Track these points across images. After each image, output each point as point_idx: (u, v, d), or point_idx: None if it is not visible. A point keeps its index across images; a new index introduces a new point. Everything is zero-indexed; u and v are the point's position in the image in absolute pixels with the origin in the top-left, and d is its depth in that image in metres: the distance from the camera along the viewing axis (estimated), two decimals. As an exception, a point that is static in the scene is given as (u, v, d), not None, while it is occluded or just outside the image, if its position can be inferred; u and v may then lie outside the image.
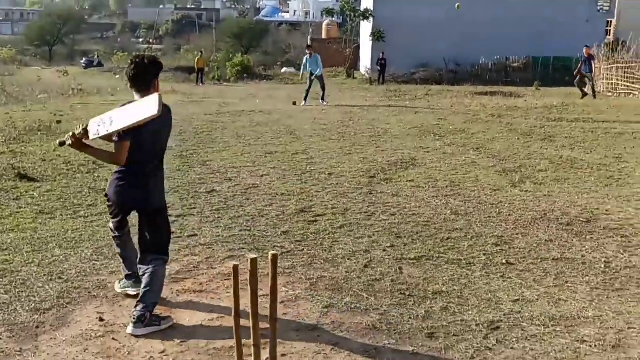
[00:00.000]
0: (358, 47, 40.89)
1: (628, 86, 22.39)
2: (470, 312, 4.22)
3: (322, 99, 19.23)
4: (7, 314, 4.15)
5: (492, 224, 6.20)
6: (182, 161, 9.33)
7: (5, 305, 4.28)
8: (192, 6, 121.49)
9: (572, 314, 4.20)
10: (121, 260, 4.48)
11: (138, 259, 4.18)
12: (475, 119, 14.24)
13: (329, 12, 46.57)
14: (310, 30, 58.72)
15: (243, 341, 3.05)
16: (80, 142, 4.03)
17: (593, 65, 20.57)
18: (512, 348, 3.74)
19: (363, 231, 5.97)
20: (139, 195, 4.07)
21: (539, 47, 34.34)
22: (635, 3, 44.99)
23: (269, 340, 3.08)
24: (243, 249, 5.48)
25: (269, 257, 2.66)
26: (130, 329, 3.92)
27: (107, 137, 3.96)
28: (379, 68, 33.17)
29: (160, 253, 4.18)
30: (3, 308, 4.24)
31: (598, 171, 8.54)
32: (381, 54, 33.23)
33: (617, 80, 23.18)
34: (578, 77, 20.63)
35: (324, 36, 51.27)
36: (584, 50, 20.84)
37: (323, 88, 19.47)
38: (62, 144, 4.10)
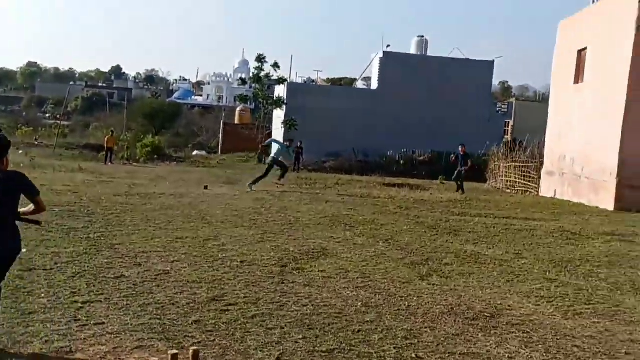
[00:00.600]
0: (270, 134, 41.52)
1: (525, 184, 23.67)
2: (381, 408, 4.25)
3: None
4: None
5: (401, 317, 6.32)
6: (89, 244, 9.07)
7: None
8: (104, 84, 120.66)
9: (479, 409, 4.31)
10: None
11: None
12: (384, 211, 14.63)
13: (242, 98, 47.31)
14: (224, 114, 59.23)
15: None
16: None
17: (467, 162, 22.30)
18: None
19: (275, 322, 5.95)
20: None
21: (443, 142, 36.07)
22: (531, 106, 48.16)
23: None
24: (153, 338, 5.33)
25: (190, 352, 2.64)
26: None
27: None
28: (294, 157, 33.70)
29: None
30: None
31: (500, 266, 8.91)
32: (299, 143, 33.89)
33: (515, 177, 24.49)
34: (456, 173, 22.21)
35: (236, 121, 51.92)
36: (460, 149, 22.56)
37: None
38: None
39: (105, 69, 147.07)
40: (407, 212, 14.61)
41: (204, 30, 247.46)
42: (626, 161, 17.10)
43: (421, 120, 36.99)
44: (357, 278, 7.82)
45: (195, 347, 2.65)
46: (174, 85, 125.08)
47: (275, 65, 39.34)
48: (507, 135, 43.62)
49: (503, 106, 43.41)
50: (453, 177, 23.01)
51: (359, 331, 5.80)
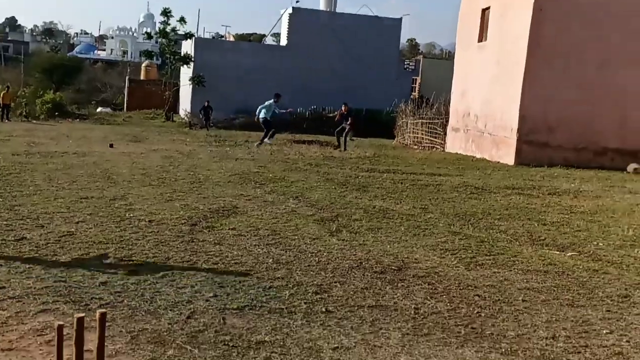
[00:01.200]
0: (178, 90, 40.63)
1: (431, 140, 24.29)
2: (292, 361, 4.33)
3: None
4: None
5: (311, 272, 6.41)
6: (-13, 205, 8.68)
7: None
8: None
9: (387, 359, 4.46)
10: None
11: None
12: (294, 168, 14.69)
13: (148, 54, 45.96)
14: (129, 70, 57.37)
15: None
16: None
17: (349, 119, 22.51)
18: (332, 395, 3.88)
19: (185, 281, 5.91)
20: None
21: (352, 99, 36.32)
22: (437, 63, 49.17)
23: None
24: (58, 301, 5.19)
25: (97, 315, 2.59)
26: None
27: None
28: (202, 114, 33.22)
29: None
30: None
31: (407, 221, 9.16)
32: (206, 102, 33.36)
33: (422, 134, 25.08)
34: (339, 127, 22.47)
35: (142, 77, 50.43)
36: (342, 108, 22.86)
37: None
38: None
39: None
40: (317, 168, 14.73)
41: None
42: (525, 118, 17.80)
43: (331, 77, 37.09)
44: (268, 235, 7.85)
45: (102, 310, 2.60)
46: (75, 39, 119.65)
47: (182, 20, 38.32)
48: (415, 92, 44.45)
49: (411, 63, 44.05)
50: (336, 131, 23.15)
51: (269, 287, 5.85)
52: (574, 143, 17.86)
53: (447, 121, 23.53)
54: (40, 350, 4.30)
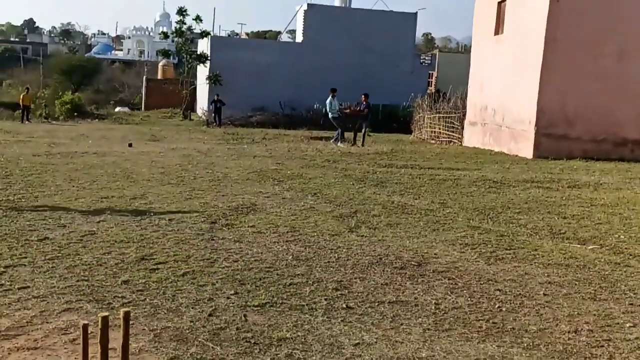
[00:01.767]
0: (195, 89, 40.81)
1: (449, 134, 24.20)
2: (314, 358, 4.35)
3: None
4: None
5: (331, 268, 6.43)
6: (9, 206, 8.79)
7: None
8: (16, 39, 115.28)
9: (408, 355, 4.46)
10: None
11: None
12: (312, 164, 14.71)
13: (165, 53, 46.17)
14: (146, 69, 57.69)
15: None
16: None
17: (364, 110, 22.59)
18: (355, 391, 3.90)
19: (206, 278, 5.95)
20: None
21: (370, 94, 36.26)
22: (453, 57, 48.95)
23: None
24: (81, 300, 5.25)
25: (121, 314, 2.62)
26: None
27: None
28: (212, 109, 33.33)
29: None
30: None
31: (426, 216, 9.14)
32: (216, 96, 33.47)
33: (439, 128, 24.99)
34: (357, 125, 22.49)
35: (159, 76, 50.72)
36: (362, 98, 22.87)
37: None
38: None
39: (18, 22, 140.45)
40: (335, 165, 14.74)
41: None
42: (543, 110, 17.67)
43: (347, 73, 37.02)
44: (287, 232, 7.88)
45: (126, 308, 2.63)
46: (92, 39, 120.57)
47: (198, 19, 38.48)
48: (431, 86, 44.28)
49: (426, 58, 43.86)
50: (354, 128, 23.16)
51: (290, 284, 5.87)
52: (593, 135, 17.71)
53: (464, 115, 23.43)
54: (65, 348, 4.35)
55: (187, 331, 4.71)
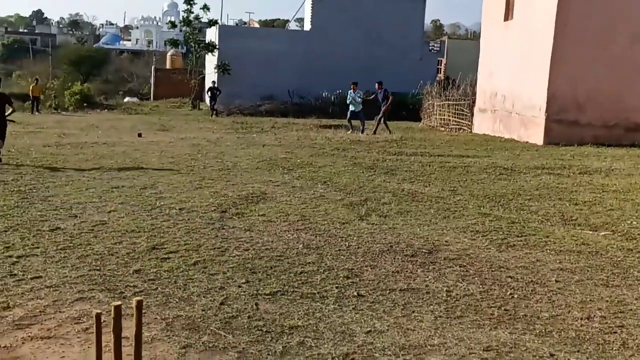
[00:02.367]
0: (203, 78, 40.78)
1: (458, 122, 24.08)
2: (326, 346, 4.35)
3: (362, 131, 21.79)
4: None
5: (342, 257, 6.42)
6: (21, 197, 8.83)
7: None
8: (25, 30, 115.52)
9: (420, 342, 4.46)
10: None
11: None
12: (322, 153, 14.69)
13: (173, 42, 46.12)
14: (154, 59, 57.69)
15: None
16: None
17: (387, 97, 22.90)
18: (367, 379, 3.90)
19: (217, 267, 5.96)
20: None
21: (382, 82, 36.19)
22: (463, 44, 48.67)
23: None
24: (93, 289, 5.28)
25: (134, 303, 2.62)
26: None
27: None
28: (209, 96, 33.25)
29: None
30: None
31: (436, 203, 9.11)
32: (212, 83, 33.43)
33: (449, 115, 24.87)
34: (381, 113, 22.50)
35: (168, 66, 50.70)
36: (376, 86, 22.90)
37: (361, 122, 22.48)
38: None
39: (26, 13, 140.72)
40: (344, 153, 14.71)
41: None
42: (554, 96, 17.55)
43: (355, 61, 36.86)
44: (297, 220, 7.87)
45: (138, 297, 2.64)
46: (101, 30, 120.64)
47: (205, 8, 38.38)
48: (440, 73, 44.05)
49: (435, 45, 43.62)
50: (378, 117, 23.21)
51: (301, 273, 5.87)
52: (604, 120, 17.57)
53: (473, 102, 23.29)
54: (78, 337, 4.38)
55: (199, 320, 4.72)
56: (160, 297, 5.16)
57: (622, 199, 9.60)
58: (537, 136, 17.81)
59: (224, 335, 4.46)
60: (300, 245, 6.77)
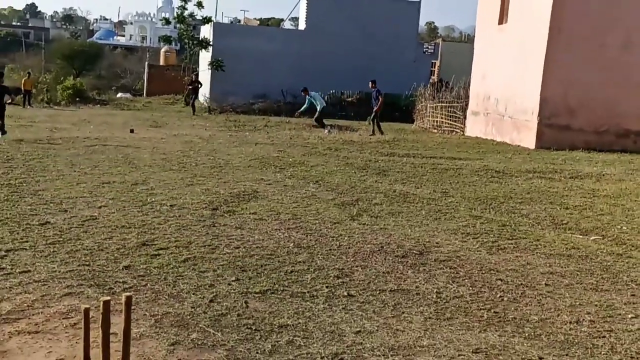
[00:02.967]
0: (197, 75, 40.68)
1: (451, 124, 24.13)
2: (315, 345, 4.34)
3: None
4: None
5: (333, 256, 6.42)
6: (11, 190, 8.77)
7: None
8: (18, 23, 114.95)
9: (409, 343, 4.46)
10: None
11: None
12: (314, 152, 14.67)
13: (167, 39, 45.92)
14: (148, 55, 57.50)
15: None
16: None
17: (378, 98, 22.87)
18: (356, 379, 3.89)
19: (207, 265, 5.94)
20: None
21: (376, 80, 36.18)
22: (456, 47, 48.76)
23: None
24: (82, 285, 5.25)
25: (123, 299, 2.60)
26: None
27: None
28: (190, 89, 32.82)
29: None
30: None
31: (428, 205, 9.12)
32: (193, 76, 33.17)
33: (442, 118, 24.92)
34: (373, 113, 22.59)
35: (161, 62, 50.56)
36: (370, 85, 23.01)
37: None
38: None
39: (20, 6, 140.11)
40: (337, 153, 14.70)
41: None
42: (546, 101, 17.59)
43: (349, 61, 36.85)
44: (289, 219, 7.86)
45: (128, 293, 2.62)
46: (94, 24, 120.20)
47: (200, 5, 38.26)
48: (434, 75, 44.09)
49: (429, 47, 43.65)
50: (369, 118, 23.32)
51: (291, 272, 5.86)
52: (595, 126, 17.63)
53: (466, 105, 23.33)
54: (66, 333, 4.35)
55: (188, 317, 4.70)
56: (149, 293, 5.14)
57: (612, 204, 9.63)
58: (529, 140, 17.86)
59: (213, 333, 4.44)
60: (291, 244, 6.75)
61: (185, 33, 39.52)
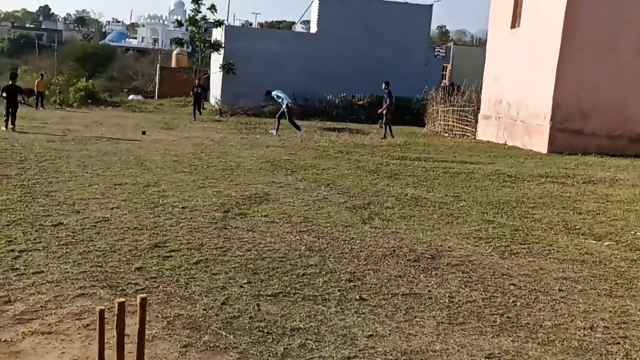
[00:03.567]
0: (208, 78, 40.77)
1: (462, 128, 24.06)
2: (327, 349, 4.33)
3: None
4: None
5: (345, 259, 6.40)
6: (24, 191, 8.81)
7: None
8: (32, 25, 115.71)
9: (422, 348, 4.43)
10: None
11: None
12: (325, 155, 14.67)
13: (178, 41, 46.00)
14: (160, 58, 57.71)
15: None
16: None
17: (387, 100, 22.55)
18: (368, 383, 3.88)
19: (219, 267, 5.94)
20: None
21: (381, 86, 36.12)
22: (468, 50, 48.67)
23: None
24: (95, 286, 5.26)
25: (138, 300, 2.60)
26: None
27: None
28: (192, 98, 32.02)
29: None
30: None
31: (440, 209, 9.09)
32: (196, 82, 32.99)
33: (453, 122, 24.85)
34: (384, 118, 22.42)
35: (173, 65, 50.72)
36: (383, 86, 22.77)
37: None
38: None
39: (33, 9, 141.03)
40: (348, 156, 14.70)
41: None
42: (559, 105, 17.51)
43: (360, 64, 36.82)
44: (300, 222, 7.85)
45: (142, 295, 2.62)
46: (107, 27, 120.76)
47: (212, 8, 38.34)
48: (445, 79, 44.00)
49: (441, 51, 43.56)
50: (380, 122, 22.98)
51: (303, 275, 5.85)
52: (608, 130, 17.53)
53: (478, 109, 23.27)
54: (79, 334, 4.36)
55: (200, 319, 4.70)
56: (161, 295, 5.14)
57: (626, 210, 9.57)
58: (541, 144, 17.78)
59: (225, 336, 4.44)
60: (303, 247, 6.74)
61: (197, 36, 39.60)
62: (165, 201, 8.65)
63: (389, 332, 4.67)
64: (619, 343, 4.67)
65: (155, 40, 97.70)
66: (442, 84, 38.48)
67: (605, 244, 7.55)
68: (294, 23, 63.79)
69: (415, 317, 5.01)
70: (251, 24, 67.20)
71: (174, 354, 4.13)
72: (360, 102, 36.82)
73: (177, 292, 5.23)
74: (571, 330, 4.88)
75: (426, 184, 11.17)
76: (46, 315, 4.64)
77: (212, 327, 4.56)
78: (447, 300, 5.40)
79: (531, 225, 8.32)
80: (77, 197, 8.59)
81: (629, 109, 17.54)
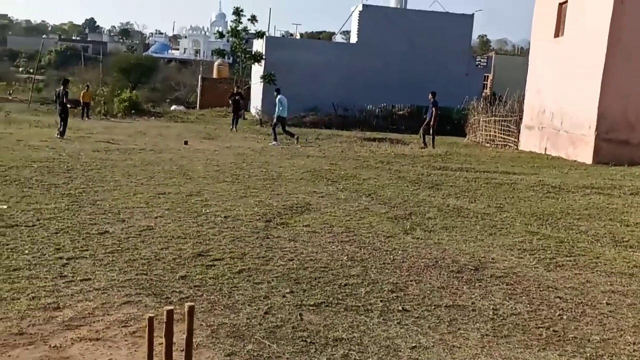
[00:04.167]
0: (249, 88, 41.13)
1: (504, 138, 23.79)
2: (370, 359, 4.31)
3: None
4: None
5: (387, 270, 6.38)
6: (71, 200, 9.00)
7: None
8: (78, 38, 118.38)
9: (466, 360, 4.39)
10: None
11: None
12: (366, 165, 14.65)
13: (220, 52, 46.55)
14: (201, 69, 58.44)
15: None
16: None
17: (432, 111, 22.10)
18: (412, 395, 3.84)
19: (262, 276, 5.97)
20: None
21: (422, 97, 35.89)
22: (510, 60, 48.14)
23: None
24: (140, 294, 5.34)
25: (185, 308, 2.63)
26: None
27: None
28: (231, 105, 31.46)
29: None
30: None
31: (482, 220, 8.99)
32: (235, 89, 32.85)
33: (495, 132, 24.59)
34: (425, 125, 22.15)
35: (214, 76, 51.28)
36: (430, 96, 22.47)
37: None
38: None
39: (79, 22, 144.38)
40: (389, 166, 14.65)
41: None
42: (604, 115, 17.21)
43: (400, 74, 36.77)
44: (342, 232, 7.85)
45: (190, 303, 2.65)
46: (150, 38, 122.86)
47: (253, 19, 38.72)
48: (487, 89, 43.60)
49: (482, 60, 43.19)
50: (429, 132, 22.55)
51: (345, 285, 5.85)
52: (656, 141, 17.14)
53: (520, 119, 22.98)
54: (126, 340, 4.42)
55: (244, 328, 4.73)
56: (205, 303, 5.19)
57: (675, 222, 9.33)
58: (585, 155, 17.47)
59: (269, 345, 4.45)
60: (345, 257, 6.74)
61: (238, 46, 40.01)
62: (207, 210, 8.74)
63: (432, 344, 4.63)
64: (670, 359, 4.55)
65: (197, 52, 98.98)
66: (484, 94, 38.14)
67: (654, 257, 7.37)
68: (333, 33, 64.02)
69: (459, 329, 4.95)
70: (292, 35, 67.56)
71: (218, 362, 4.16)
72: (401, 112, 36.69)
73: (221, 300, 5.28)
74: (620, 345, 4.77)
75: (468, 195, 11.07)
76: (94, 322, 4.72)
77: (256, 336, 4.59)
78: (491, 313, 5.33)
79: (577, 237, 8.18)
80: (122, 206, 8.74)
81: (678, 119, 17.12)
